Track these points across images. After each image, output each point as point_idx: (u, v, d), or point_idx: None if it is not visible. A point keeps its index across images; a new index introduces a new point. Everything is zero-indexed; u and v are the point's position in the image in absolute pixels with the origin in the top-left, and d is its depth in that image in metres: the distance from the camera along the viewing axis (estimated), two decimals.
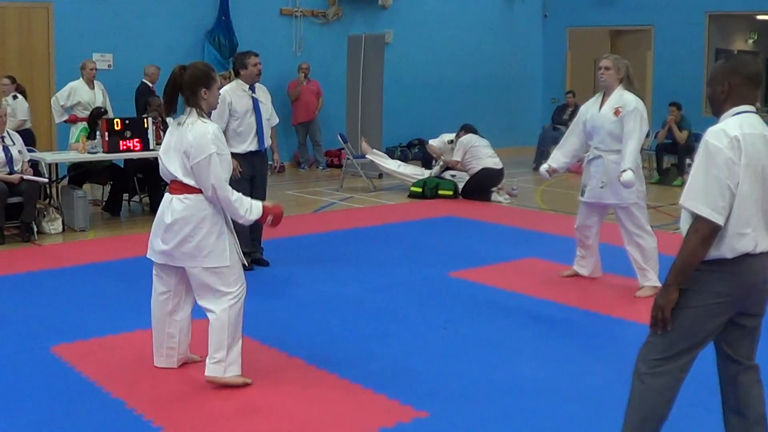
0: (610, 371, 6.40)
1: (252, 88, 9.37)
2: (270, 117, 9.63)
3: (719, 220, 4.13)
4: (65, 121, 13.70)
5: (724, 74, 4.41)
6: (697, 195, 4.17)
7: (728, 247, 4.21)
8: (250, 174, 9.27)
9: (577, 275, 9.14)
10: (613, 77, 8.47)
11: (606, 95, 8.56)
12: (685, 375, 4.46)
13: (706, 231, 4.15)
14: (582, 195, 8.80)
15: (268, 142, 9.55)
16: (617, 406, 5.70)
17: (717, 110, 4.45)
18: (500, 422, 5.50)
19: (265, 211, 6.03)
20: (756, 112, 4.38)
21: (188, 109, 5.94)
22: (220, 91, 9.21)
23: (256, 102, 9.36)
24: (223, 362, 5.92)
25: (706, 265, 4.24)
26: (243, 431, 5.36)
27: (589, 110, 8.66)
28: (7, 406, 5.65)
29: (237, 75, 9.45)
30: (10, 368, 6.36)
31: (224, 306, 5.92)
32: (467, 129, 15.55)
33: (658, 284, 8.46)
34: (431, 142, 16.29)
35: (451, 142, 15.76)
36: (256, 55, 9.41)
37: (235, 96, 9.24)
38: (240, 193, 5.98)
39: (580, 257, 9.11)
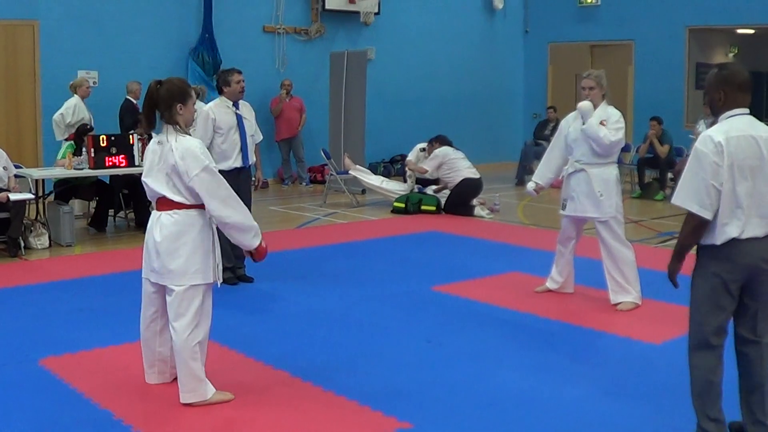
0: (591, 382, 6.50)
1: (236, 105, 9.46)
2: (254, 134, 9.70)
3: (706, 215, 4.87)
4: (66, 139, 13.68)
5: (718, 84, 5.10)
6: (687, 194, 4.93)
7: (716, 236, 4.93)
8: (234, 191, 9.31)
9: (549, 291, 9.20)
10: (598, 95, 8.59)
11: None
12: (721, 351, 5.13)
13: (694, 223, 4.93)
14: (563, 209, 8.86)
15: (252, 158, 9.62)
16: (596, 416, 5.87)
17: (716, 114, 5.16)
18: None
19: (262, 249, 6.10)
20: (750, 113, 5.06)
21: (166, 126, 5.95)
22: (204, 108, 9.32)
23: (240, 118, 9.43)
24: (200, 385, 5.97)
25: (703, 251, 5.03)
26: None
27: (571, 124, 8.73)
28: None
29: (220, 92, 9.51)
30: None
31: (192, 327, 5.90)
32: (441, 140, 15.63)
33: (640, 301, 8.57)
34: (408, 156, 16.37)
35: (423, 149, 15.91)
36: (239, 72, 9.48)
37: (219, 113, 9.31)
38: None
39: (555, 272, 9.18)
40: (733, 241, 4.91)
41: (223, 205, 5.87)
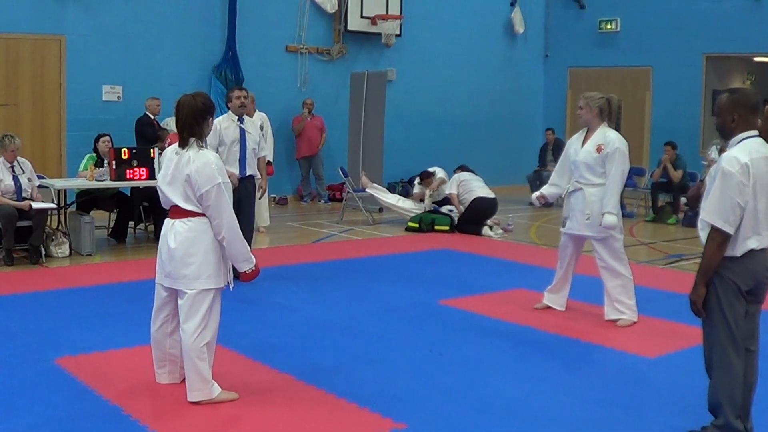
0: (583, 392, 6.71)
1: (241, 120, 10.14)
2: (257, 147, 10.30)
3: (730, 230, 5.22)
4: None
5: (731, 106, 5.41)
6: (714, 210, 5.24)
7: (737, 248, 5.29)
8: (236, 197, 9.64)
9: (548, 308, 9.34)
10: (588, 115, 8.77)
11: (590, 131, 8.81)
12: (752, 356, 5.54)
13: (719, 238, 5.25)
14: (563, 226, 9.07)
15: (250, 170, 10.19)
16: (584, 423, 6.06)
17: (727, 136, 5.47)
18: None
19: (255, 272, 6.32)
20: (759, 135, 5.40)
21: (186, 138, 6.16)
22: (214, 122, 9.75)
23: (243, 132, 10.13)
24: (207, 385, 6.22)
25: (722, 262, 5.31)
26: None
27: (573, 145, 8.93)
28: (13, 408, 6.02)
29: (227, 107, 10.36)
30: (16, 376, 6.73)
31: (201, 329, 6.13)
32: (463, 169, 16.14)
33: (636, 317, 8.77)
34: (415, 190, 16.83)
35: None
36: (240, 89, 10.37)
37: (224, 126, 10.04)
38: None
39: (554, 287, 9.31)
40: (751, 252, 5.32)
41: (224, 226, 6.06)
